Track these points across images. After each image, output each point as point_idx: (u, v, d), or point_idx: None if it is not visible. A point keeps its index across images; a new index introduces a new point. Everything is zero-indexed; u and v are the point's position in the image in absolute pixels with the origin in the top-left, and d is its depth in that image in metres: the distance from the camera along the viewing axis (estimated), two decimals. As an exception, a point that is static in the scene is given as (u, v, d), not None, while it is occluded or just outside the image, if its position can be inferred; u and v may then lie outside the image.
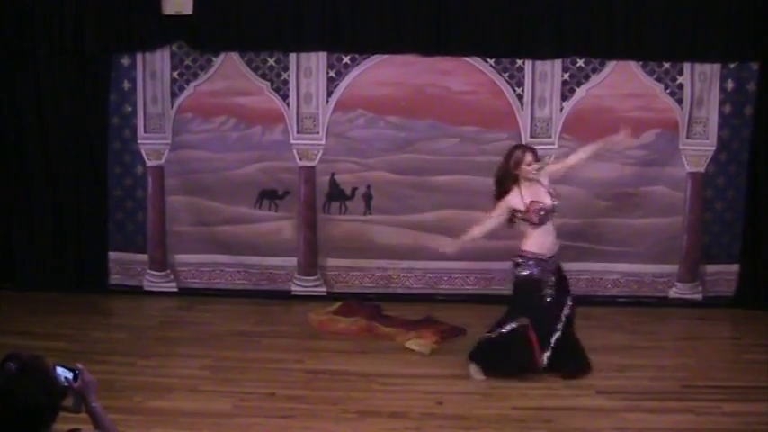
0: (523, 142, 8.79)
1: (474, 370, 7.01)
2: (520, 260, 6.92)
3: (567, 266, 8.88)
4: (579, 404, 6.54)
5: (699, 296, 9.01)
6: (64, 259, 9.20)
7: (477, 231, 7.00)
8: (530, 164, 6.83)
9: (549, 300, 6.92)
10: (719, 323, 8.61)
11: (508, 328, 6.89)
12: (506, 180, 6.91)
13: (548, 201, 6.87)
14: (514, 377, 6.88)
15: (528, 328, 6.85)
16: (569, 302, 7.05)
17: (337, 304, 8.68)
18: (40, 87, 8.99)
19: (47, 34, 8.75)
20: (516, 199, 6.84)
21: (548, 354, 6.89)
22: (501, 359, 6.94)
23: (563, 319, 6.96)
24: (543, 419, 6.24)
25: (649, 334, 8.22)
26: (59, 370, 3.34)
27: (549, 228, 6.92)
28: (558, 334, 6.92)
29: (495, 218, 6.95)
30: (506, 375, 6.91)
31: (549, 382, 6.90)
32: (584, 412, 6.39)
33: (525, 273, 6.90)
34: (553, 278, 6.93)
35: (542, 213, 6.82)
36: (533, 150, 6.99)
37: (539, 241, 6.88)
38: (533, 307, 6.90)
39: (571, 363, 6.99)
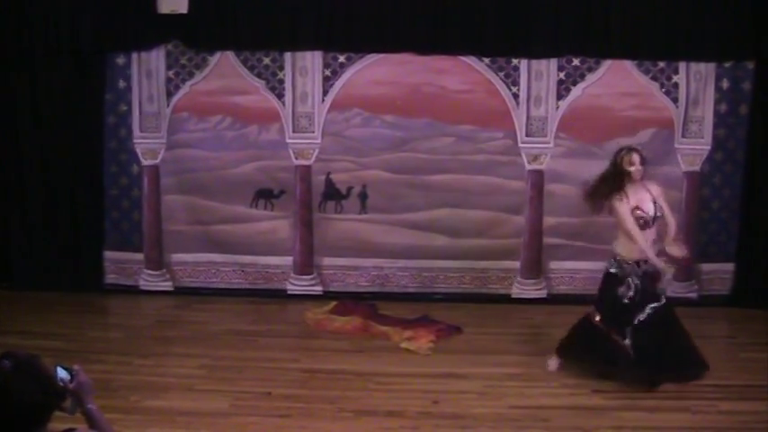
0: (519, 142, 8.83)
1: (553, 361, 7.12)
2: (612, 258, 6.94)
3: (563, 265, 9.01)
4: (576, 403, 6.55)
5: (695, 295, 9.02)
6: (60, 259, 9.19)
7: (642, 242, 6.81)
8: (633, 164, 6.79)
9: (625, 301, 6.88)
10: (715, 322, 8.62)
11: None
12: (612, 181, 6.84)
13: (650, 210, 6.82)
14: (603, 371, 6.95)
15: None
16: (650, 309, 6.89)
17: (333, 303, 8.69)
18: (36, 87, 8.97)
19: (42, 34, 8.73)
20: (624, 201, 6.79)
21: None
22: (586, 352, 7.03)
23: (635, 322, 6.86)
24: (540, 418, 6.25)
25: (645, 333, 8.22)
26: (59, 370, 3.34)
27: (645, 235, 6.82)
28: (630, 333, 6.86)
29: (631, 222, 6.80)
30: (596, 369, 6.99)
31: (545, 381, 6.92)
32: (581, 411, 6.39)
33: (610, 270, 6.95)
34: (638, 281, 6.86)
35: (641, 222, 6.78)
36: (639, 152, 6.93)
37: (627, 246, 6.85)
38: (607, 303, 6.94)
39: (678, 368, 6.92)
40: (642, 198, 6.83)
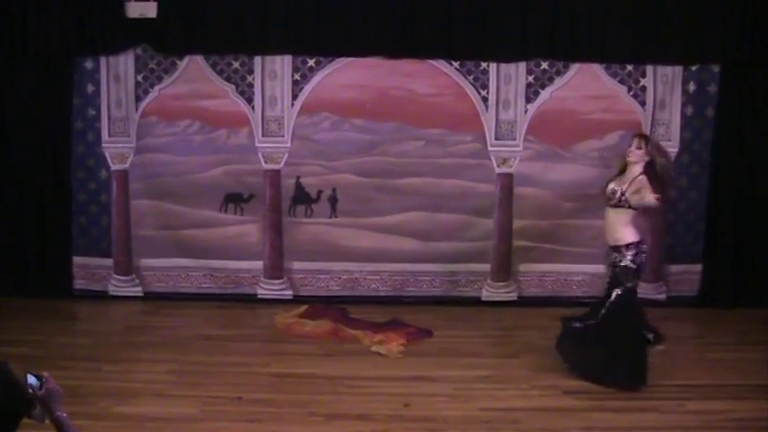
0: (488, 145, 8.87)
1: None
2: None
3: (533, 267, 9.05)
4: (545, 404, 6.59)
5: (662, 296, 9.09)
6: (27, 264, 9.10)
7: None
8: (630, 148, 7.05)
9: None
10: (683, 322, 8.68)
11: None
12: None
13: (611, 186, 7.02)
14: None
15: None
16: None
17: (303, 307, 8.69)
18: (2, 90, 8.89)
19: (8, 36, 8.65)
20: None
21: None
22: None
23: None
24: (510, 420, 6.28)
25: (614, 334, 8.28)
26: (29, 377, 3.32)
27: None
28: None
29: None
30: None
31: (516, 383, 6.95)
32: (551, 412, 6.43)
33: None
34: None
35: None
36: (642, 136, 7.24)
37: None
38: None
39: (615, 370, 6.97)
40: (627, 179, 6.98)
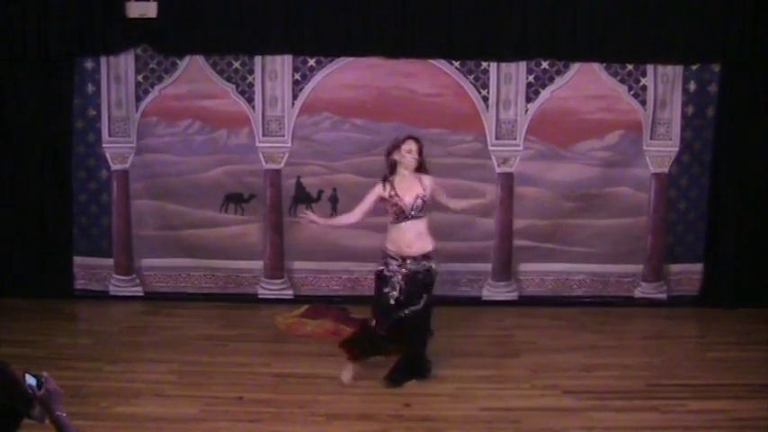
0: (489, 145, 8.86)
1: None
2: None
3: (534, 267, 9.04)
4: (546, 404, 6.58)
5: (663, 296, 9.10)
6: (28, 265, 9.11)
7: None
8: (410, 151, 6.76)
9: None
10: (684, 322, 8.70)
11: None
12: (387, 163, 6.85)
13: (408, 200, 6.75)
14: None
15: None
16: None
17: (304, 307, 8.67)
18: (3, 91, 8.91)
19: (9, 37, 8.65)
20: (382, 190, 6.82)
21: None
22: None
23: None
24: (511, 420, 6.27)
25: (615, 333, 8.29)
26: (27, 378, 3.32)
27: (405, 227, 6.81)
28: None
29: (368, 202, 6.90)
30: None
31: (516, 383, 6.95)
32: (552, 412, 6.42)
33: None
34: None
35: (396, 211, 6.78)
36: (417, 140, 6.85)
37: (392, 237, 6.86)
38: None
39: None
40: (410, 186, 6.78)
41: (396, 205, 6.74)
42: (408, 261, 6.79)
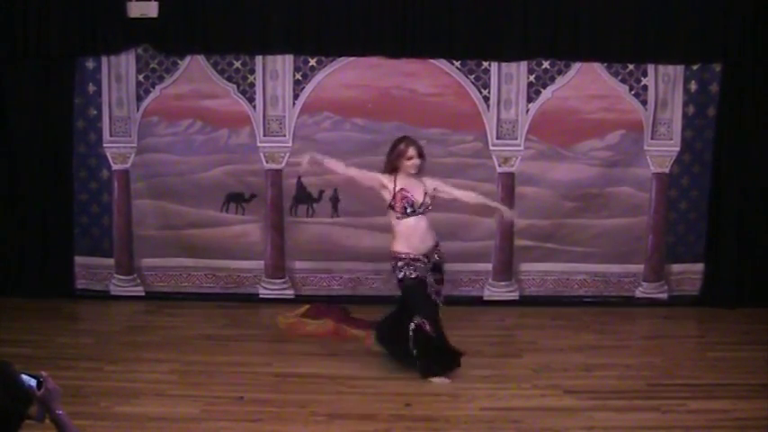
0: (490, 145, 8.86)
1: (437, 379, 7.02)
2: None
3: (535, 267, 9.05)
4: (547, 404, 6.57)
5: (664, 295, 9.10)
6: (29, 264, 9.11)
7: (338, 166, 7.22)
8: (411, 158, 6.89)
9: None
10: (685, 322, 8.70)
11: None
12: (386, 167, 6.98)
13: (417, 196, 6.90)
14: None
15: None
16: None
17: (305, 307, 8.65)
18: (4, 91, 8.91)
19: (10, 37, 8.66)
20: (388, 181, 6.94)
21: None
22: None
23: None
24: (511, 420, 6.26)
25: (616, 333, 8.29)
26: (24, 378, 3.32)
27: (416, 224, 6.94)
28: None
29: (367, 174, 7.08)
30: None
31: (517, 383, 6.95)
32: (552, 412, 6.41)
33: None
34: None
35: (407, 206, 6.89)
36: (417, 144, 7.00)
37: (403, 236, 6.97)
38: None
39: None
40: (413, 185, 6.94)
41: (405, 198, 6.86)
42: (428, 255, 6.97)
